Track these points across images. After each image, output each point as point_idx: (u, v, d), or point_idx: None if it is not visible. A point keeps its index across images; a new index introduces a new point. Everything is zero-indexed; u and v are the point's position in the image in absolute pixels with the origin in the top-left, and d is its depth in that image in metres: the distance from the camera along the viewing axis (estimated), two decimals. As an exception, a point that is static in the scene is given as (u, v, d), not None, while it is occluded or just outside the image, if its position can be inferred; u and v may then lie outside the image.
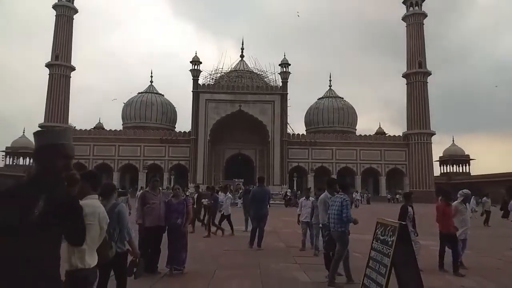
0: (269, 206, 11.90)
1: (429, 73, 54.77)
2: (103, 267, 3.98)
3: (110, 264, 3.96)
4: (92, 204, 2.88)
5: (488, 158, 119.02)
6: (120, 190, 10.84)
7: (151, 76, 63.77)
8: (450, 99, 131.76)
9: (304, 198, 10.19)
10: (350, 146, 54.31)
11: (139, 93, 61.47)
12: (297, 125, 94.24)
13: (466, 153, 64.98)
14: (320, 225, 7.53)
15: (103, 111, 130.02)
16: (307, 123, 63.08)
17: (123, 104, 60.98)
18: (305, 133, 58.95)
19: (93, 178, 3.23)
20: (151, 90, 61.98)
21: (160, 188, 7.18)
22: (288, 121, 52.83)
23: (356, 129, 62.13)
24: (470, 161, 64.96)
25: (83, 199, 2.95)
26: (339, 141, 54.34)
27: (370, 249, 4.23)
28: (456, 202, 7.48)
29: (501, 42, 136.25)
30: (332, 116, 59.70)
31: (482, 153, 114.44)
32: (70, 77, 54.44)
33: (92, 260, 2.71)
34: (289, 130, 53.71)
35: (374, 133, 60.50)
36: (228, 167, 53.72)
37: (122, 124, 60.29)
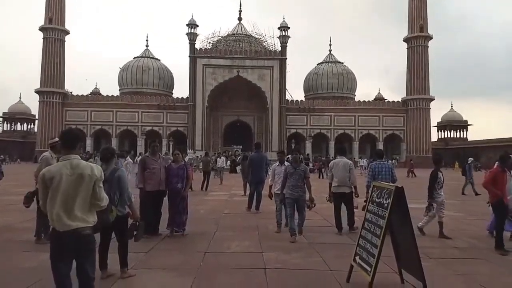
0: (268, 174, 11.92)
1: (430, 37, 53.68)
2: (105, 230, 4.10)
3: (111, 227, 4.07)
4: (50, 169, 2.74)
5: (486, 123, 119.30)
6: (118, 152, 10.86)
7: (147, 40, 62.63)
8: (450, 64, 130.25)
9: (278, 164, 7.58)
10: (349, 112, 54.13)
11: (135, 57, 60.39)
12: (296, 91, 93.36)
13: (464, 119, 65.04)
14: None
15: (99, 76, 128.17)
16: (306, 89, 62.52)
17: (119, 69, 60.09)
18: (303, 99, 58.54)
19: (64, 137, 2.96)
20: (147, 54, 60.86)
21: (160, 154, 7.22)
22: (287, 87, 52.35)
23: (355, 95, 61.72)
24: (468, 126, 65.14)
25: (60, 160, 2.86)
26: (337, 107, 54.09)
27: (365, 212, 4.33)
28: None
29: (503, 6, 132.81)
30: (332, 82, 59.10)
31: (480, 118, 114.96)
32: (65, 41, 53.17)
33: (59, 224, 2.65)
34: (287, 97, 53.33)
35: (373, 99, 60.18)
36: (226, 134, 53.79)
37: (119, 90, 59.66)
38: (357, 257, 4.14)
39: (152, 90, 57.35)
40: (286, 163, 7.58)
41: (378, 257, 3.67)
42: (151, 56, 60.77)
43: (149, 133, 50.94)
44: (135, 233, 4.27)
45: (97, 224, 2.91)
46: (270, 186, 7.54)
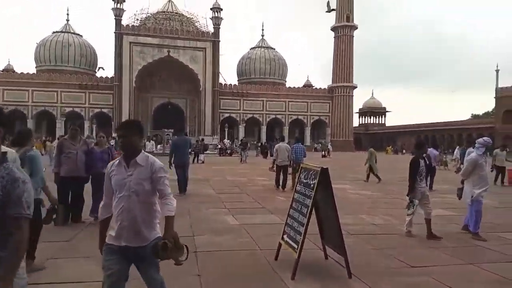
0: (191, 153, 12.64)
1: (355, 27, 56.65)
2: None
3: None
4: None
5: (403, 110, 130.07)
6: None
7: (67, 14, 57.30)
8: (373, 53, 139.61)
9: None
10: (280, 98, 55.62)
11: (53, 32, 55.15)
12: (230, 75, 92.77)
13: (383, 106, 70.76)
14: None
15: (12, 51, 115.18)
16: (239, 73, 62.57)
17: (36, 44, 54.51)
18: (237, 83, 58.60)
19: None
20: (67, 29, 55.87)
21: (82, 137, 6.76)
22: (220, 71, 51.80)
23: (286, 81, 63.34)
24: (386, 113, 71.08)
25: None
26: (269, 92, 55.20)
27: (293, 192, 4.49)
28: (474, 153, 5.87)
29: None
30: (264, 67, 59.86)
31: (397, 105, 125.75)
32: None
33: None
34: (221, 80, 52.91)
35: (302, 86, 62.34)
36: (156, 117, 51.91)
37: (36, 67, 54.28)
38: (285, 236, 4.29)
39: (73, 68, 53.05)
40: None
41: (304, 235, 3.84)
42: (72, 31, 55.91)
43: (69, 115, 47.33)
44: (54, 217, 3.97)
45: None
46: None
